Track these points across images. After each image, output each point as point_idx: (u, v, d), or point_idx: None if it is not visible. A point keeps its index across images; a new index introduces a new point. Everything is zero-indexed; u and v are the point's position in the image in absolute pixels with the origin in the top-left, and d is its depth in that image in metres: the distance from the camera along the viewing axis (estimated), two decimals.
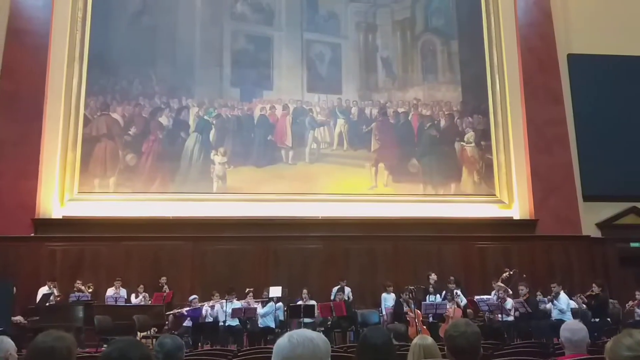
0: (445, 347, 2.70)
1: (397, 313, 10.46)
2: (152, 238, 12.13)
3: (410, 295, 10.36)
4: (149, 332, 9.90)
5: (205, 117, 13.46)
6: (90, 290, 11.11)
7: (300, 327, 8.68)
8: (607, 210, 13.57)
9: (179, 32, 13.85)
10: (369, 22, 14.56)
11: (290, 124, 13.73)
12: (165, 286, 11.42)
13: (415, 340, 3.10)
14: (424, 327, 9.83)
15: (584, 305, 10.29)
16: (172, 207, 12.65)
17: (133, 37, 13.56)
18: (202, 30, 13.90)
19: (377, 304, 11.42)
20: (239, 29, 14.08)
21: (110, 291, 11.20)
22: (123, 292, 11.23)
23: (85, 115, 13.06)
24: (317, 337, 1.76)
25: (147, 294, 11.22)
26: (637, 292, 10.81)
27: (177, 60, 13.71)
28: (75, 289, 10.92)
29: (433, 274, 11.49)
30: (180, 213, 12.59)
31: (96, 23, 13.42)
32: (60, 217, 12.38)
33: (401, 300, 10.47)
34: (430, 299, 10.86)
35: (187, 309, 10.23)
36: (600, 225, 13.54)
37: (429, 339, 3.10)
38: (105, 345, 9.30)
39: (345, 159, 13.67)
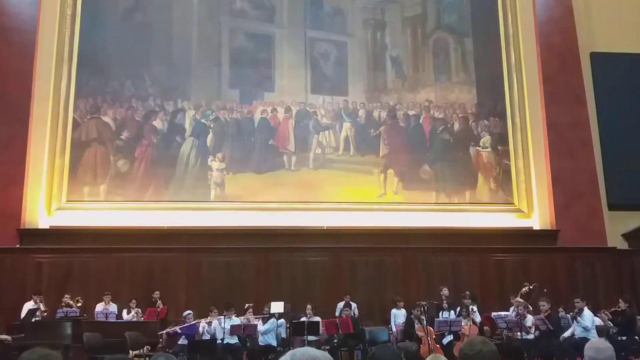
0: None
1: (408, 331, 10.40)
2: (145, 249, 12.13)
3: (422, 311, 10.30)
4: (141, 351, 9.87)
5: (202, 121, 13.50)
6: (80, 305, 11.10)
7: (303, 345, 8.65)
8: (634, 220, 13.47)
9: (174, 30, 13.91)
10: (377, 19, 14.60)
11: (293, 127, 13.75)
12: (159, 301, 11.40)
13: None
14: (437, 345, 9.76)
15: (610, 323, 10.20)
16: (167, 217, 12.66)
17: (125, 35, 13.63)
18: (199, 27, 13.97)
19: (386, 321, 11.37)
20: (238, 26, 14.13)
21: (99, 306, 11.18)
22: (113, 307, 11.21)
23: (74, 119, 13.11)
24: (322, 356, 1.75)
25: (139, 310, 11.20)
26: None
27: (172, 59, 13.77)
28: (63, 303, 10.92)
29: (445, 289, 11.42)
30: (176, 223, 12.60)
31: (86, 20, 13.51)
32: (48, 227, 12.41)
33: (412, 316, 10.41)
34: (444, 315, 10.79)
35: (181, 326, 10.19)
36: (627, 236, 13.46)
37: (443, 359, 3.08)
38: None
39: (352, 164, 13.67)
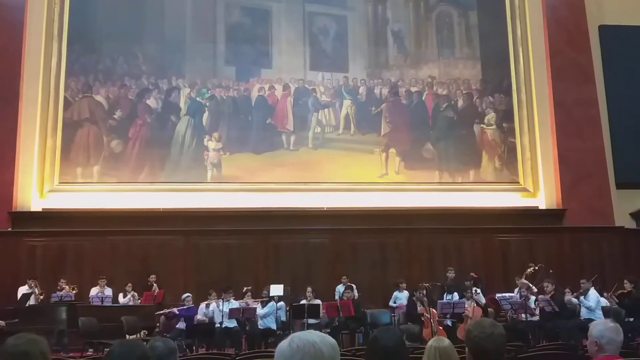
0: (467, 349, 2.66)
1: (411, 313, 10.45)
2: (140, 232, 12.13)
3: (425, 293, 10.34)
4: (138, 335, 9.92)
5: (198, 99, 13.42)
6: (75, 290, 11.13)
7: (304, 329, 8.67)
8: None
9: (168, 5, 13.77)
10: None
11: (292, 105, 13.67)
12: (155, 285, 11.44)
13: (430, 343, 3.08)
14: (440, 327, 9.81)
15: (616, 304, 10.24)
16: (162, 198, 12.64)
17: (117, 10, 13.48)
18: (193, 2, 13.81)
19: (388, 303, 11.40)
20: (233, 0, 13.98)
21: (94, 290, 11.23)
22: (108, 291, 11.26)
23: (65, 98, 13.03)
24: (321, 340, 1.72)
25: (135, 293, 11.25)
26: None
27: (166, 36, 13.65)
28: (58, 287, 10.95)
29: (451, 270, 11.45)
30: (171, 204, 12.59)
31: None
32: (40, 210, 12.41)
33: (414, 298, 10.45)
34: (447, 297, 10.84)
35: (179, 308, 10.24)
36: (635, 216, 13.48)
37: (446, 341, 3.07)
38: (90, 350, 9.36)
39: (353, 144, 13.62)
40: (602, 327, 3.10)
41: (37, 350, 2.18)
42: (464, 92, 14.10)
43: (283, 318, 10.56)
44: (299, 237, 12.56)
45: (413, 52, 14.29)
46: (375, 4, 14.42)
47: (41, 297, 10.80)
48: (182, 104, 13.37)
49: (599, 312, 9.77)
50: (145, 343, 2.81)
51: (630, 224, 13.40)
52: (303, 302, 10.56)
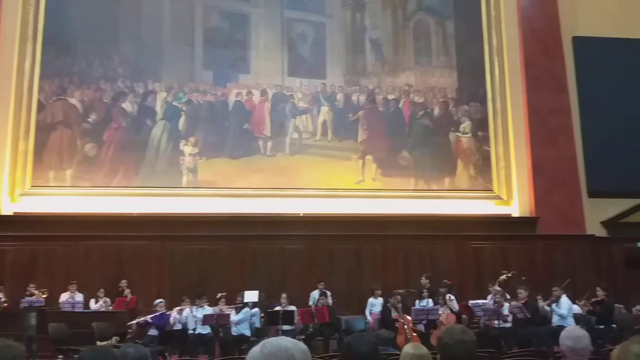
0: (438, 356, 2.69)
1: (385, 319, 10.48)
2: (114, 237, 11.99)
3: (399, 299, 10.38)
4: (110, 342, 9.79)
5: (174, 103, 13.33)
6: (45, 295, 10.95)
7: (278, 335, 8.65)
8: (614, 207, 13.75)
9: (145, 7, 13.67)
10: (357, 0, 14.51)
11: (269, 111, 13.66)
12: (127, 290, 11.29)
13: (407, 349, 3.08)
14: (414, 334, 9.86)
15: (589, 312, 10.41)
16: (137, 203, 12.51)
17: (93, 13, 13.34)
18: (171, 5, 13.74)
19: (363, 310, 11.42)
20: (212, 4, 13.94)
21: (64, 296, 11.05)
22: (79, 296, 11.09)
23: (39, 100, 12.85)
24: (294, 346, 1.73)
25: (108, 299, 11.11)
26: None
27: (143, 39, 13.54)
28: (27, 293, 10.76)
29: (424, 278, 11.48)
30: (146, 209, 12.47)
31: None
32: (11, 214, 12.20)
33: (389, 305, 10.50)
34: (422, 303, 10.90)
35: (152, 315, 10.13)
36: (606, 224, 13.72)
37: (424, 349, 3.07)
38: (60, 357, 9.21)
39: (330, 150, 13.65)
40: (564, 335, 3.16)
41: (9, 357, 2.15)
42: (440, 100, 14.23)
43: (257, 324, 10.53)
44: (275, 243, 12.53)
45: (390, 60, 14.40)
46: (353, 12, 14.50)
47: (5, 304, 10.59)
48: (158, 108, 13.27)
49: (571, 320, 9.91)
50: (116, 349, 2.79)
51: (601, 232, 13.63)
52: (278, 308, 10.53)
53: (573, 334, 3.13)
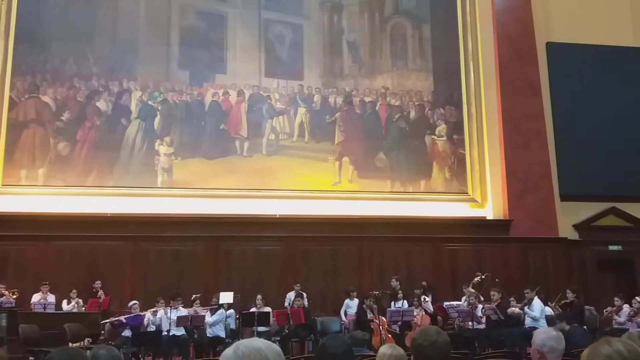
0: (412, 357, 2.70)
1: (361, 320, 10.51)
2: (87, 237, 11.84)
3: (374, 300, 10.42)
4: (82, 343, 9.66)
5: (150, 102, 13.21)
6: (15, 295, 10.76)
7: (253, 336, 8.62)
8: (585, 210, 14.00)
9: (121, 5, 13.51)
10: (335, 2, 14.55)
11: (246, 111, 13.61)
12: (101, 291, 11.16)
13: (383, 350, 3.09)
14: (390, 335, 9.90)
15: (558, 316, 10.56)
16: (111, 203, 12.37)
17: (67, 9, 13.15)
18: (147, 3, 13.59)
19: (339, 311, 11.43)
20: (189, 3, 13.84)
21: (36, 297, 10.88)
22: (51, 297, 10.93)
23: (10, 98, 12.62)
24: (267, 347, 1.73)
25: (80, 300, 10.96)
26: (615, 298, 11.14)
27: (118, 37, 13.38)
28: None
29: (394, 279, 11.44)
30: (120, 209, 12.32)
31: None
32: None
33: (364, 306, 10.53)
34: (397, 305, 10.95)
35: (126, 316, 10.03)
36: (577, 227, 13.96)
37: (400, 350, 3.08)
38: (31, 358, 9.06)
39: (307, 151, 13.65)
40: (544, 336, 3.18)
41: None
42: (416, 103, 14.33)
43: (232, 326, 10.48)
44: (250, 244, 12.49)
45: (367, 63, 14.46)
46: (331, 14, 14.53)
47: None
48: (133, 107, 13.13)
49: (543, 321, 10.06)
50: (88, 351, 2.75)
51: (573, 235, 13.86)
52: (253, 309, 10.50)
53: (553, 335, 3.16)
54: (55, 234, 11.74)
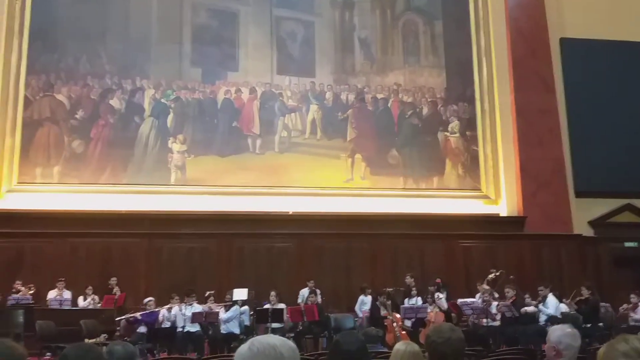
0: (427, 354, 2.70)
1: (374, 317, 10.51)
2: (101, 234, 11.93)
3: (388, 297, 10.41)
4: (98, 339, 9.73)
5: (162, 100, 13.27)
6: (32, 291, 10.87)
7: (267, 333, 8.63)
8: (600, 207, 13.88)
9: (133, 4, 13.59)
10: None
11: (258, 109, 13.64)
12: (116, 287, 11.23)
13: (398, 346, 3.09)
14: (404, 332, 9.89)
15: (575, 311, 10.49)
16: (125, 200, 12.45)
17: (81, 8, 13.24)
18: (159, 2, 13.67)
19: (352, 308, 11.43)
20: (200, 1, 13.89)
21: (52, 293, 10.97)
22: (67, 294, 11.02)
23: (25, 97, 12.74)
24: (282, 344, 1.73)
25: (96, 297, 11.03)
26: (631, 295, 11.03)
27: (131, 35, 13.46)
28: (13, 289, 10.67)
29: (409, 277, 11.43)
30: (134, 207, 12.40)
31: None
32: None
33: (378, 303, 10.52)
34: (411, 302, 10.92)
35: (141, 312, 10.09)
36: (592, 224, 13.84)
37: (415, 346, 3.08)
38: (48, 354, 9.15)
39: (319, 149, 13.65)
40: (560, 333, 3.15)
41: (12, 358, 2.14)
42: (429, 99, 14.28)
43: (246, 322, 10.49)
44: (263, 241, 12.51)
45: (379, 59, 14.42)
46: (342, 11, 14.51)
47: None
48: (146, 105, 13.21)
49: (558, 318, 9.97)
50: (104, 347, 2.77)
51: (587, 231, 13.75)
52: (267, 306, 10.52)
53: (570, 332, 3.13)
54: (70, 231, 11.84)
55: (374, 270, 12.51)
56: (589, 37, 14.45)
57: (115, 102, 13.10)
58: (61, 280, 11.04)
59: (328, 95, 13.97)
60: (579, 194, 13.82)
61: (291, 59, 14.14)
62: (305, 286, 11.42)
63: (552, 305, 10.21)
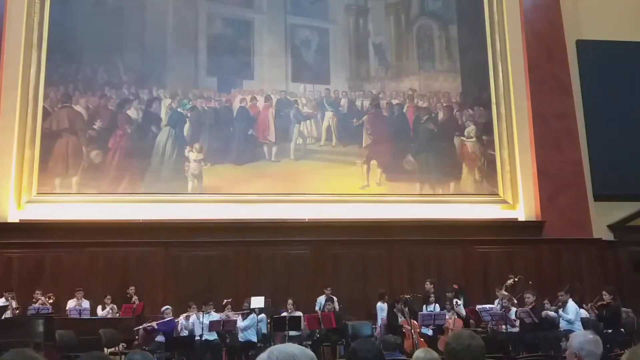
0: None
1: (391, 324, 10.45)
2: (119, 244, 12.02)
3: (405, 304, 10.35)
4: (117, 348, 9.80)
5: (179, 110, 13.37)
6: (52, 300, 10.98)
7: (285, 341, 8.64)
8: (620, 211, 13.70)
9: (149, 15, 13.73)
10: (360, 5, 14.56)
11: (273, 116, 13.68)
12: (135, 297, 11.31)
13: (418, 354, 3.07)
14: (422, 339, 9.83)
15: (595, 316, 10.35)
16: (142, 209, 12.54)
17: (97, 20, 13.41)
18: (175, 12, 13.80)
19: (370, 315, 11.40)
20: (215, 11, 14.00)
21: (71, 303, 11.09)
22: (86, 303, 11.12)
23: (44, 108, 12.90)
24: (301, 353, 1.73)
25: (114, 306, 11.11)
26: None
27: (147, 46, 13.60)
28: (33, 299, 10.78)
29: (429, 283, 11.40)
30: (151, 216, 12.49)
31: (56, 4, 13.25)
32: (17, 221, 12.23)
33: (395, 310, 10.47)
34: (429, 308, 10.86)
35: (159, 322, 10.13)
36: (612, 227, 13.67)
37: (434, 353, 3.06)
38: None
39: (334, 155, 13.66)
40: (582, 339, 3.11)
41: None
42: (444, 104, 14.23)
43: (264, 330, 10.50)
44: (280, 249, 12.53)
45: (394, 65, 14.41)
46: (356, 17, 14.54)
47: (17, 310, 10.64)
48: (162, 115, 13.31)
49: (578, 324, 9.86)
50: (123, 356, 2.80)
51: (607, 235, 13.58)
52: (284, 314, 10.52)
53: (592, 339, 3.09)
54: (88, 240, 11.96)
55: (390, 277, 12.46)
56: (606, 39, 14.32)
57: (132, 112, 13.22)
58: (79, 290, 11.14)
59: (343, 101, 13.99)
60: (597, 198, 13.66)
61: (306, 66, 14.19)
62: (322, 293, 11.41)
63: (572, 310, 10.08)
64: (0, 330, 9.38)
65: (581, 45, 14.46)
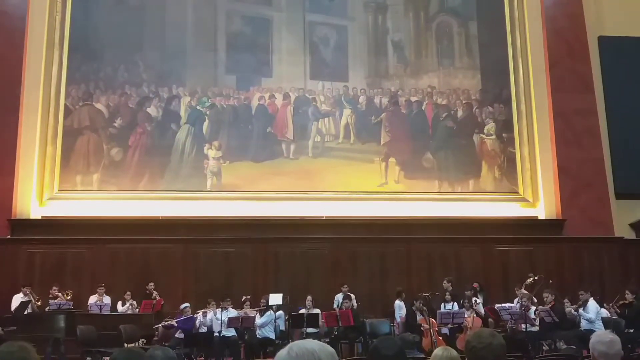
0: None
1: (410, 323, 10.42)
2: (140, 240, 12.12)
3: (424, 302, 10.31)
4: (137, 344, 9.89)
5: (198, 108, 13.45)
6: (69, 297, 11.10)
7: (302, 338, 8.64)
8: None
9: (169, 14, 13.82)
10: (379, 2, 14.50)
11: (292, 114, 13.70)
12: (155, 293, 11.41)
13: (437, 352, 3.04)
14: (440, 337, 9.78)
15: (616, 315, 10.23)
16: (162, 206, 12.63)
17: (118, 19, 13.53)
18: (194, 11, 13.87)
19: (388, 313, 11.37)
20: (234, 9, 14.04)
21: (92, 299, 11.22)
22: (107, 299, 11.24)
23: (66, 106, 13.06)
24: (320, 349, 1.73)
25: (134, 302, 11.23)
26: None
27: (167, 44, 13.69)
28: (50, 295, 10.91)
29: (446, 281, 11.35)
30: (171, 213, 12.58)
31: (77, 4, 13.41)
32: (39, 218, 12.39)
33: (414, 308, 10.44)
34: (447, 307, 10.80)
35: (178, 319, 10.21)
36: (634, 226, 13.47)
37: (453, 351, 3.03)
38: (88, 358, 9.33)
39: (353, 153, 13.64)
40: (595, 339, 3.11)
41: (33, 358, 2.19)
42: (464, 102, 14.12)
43: (282, 327, 10.53)
44: (298, 246, 12.54)
45: (413, 62, 14.34)
46: (375, 14, 14.48)
47: (38, 303, 10.79)
48: (182, 113, 13.39)
49: (599, 323, 9.74)
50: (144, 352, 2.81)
51: (629, 234, 13.38)
52: (302, 311, 10.53)
53: (605, 339, 3.07)
54: (109, 237, 12.07)
55: (409, 275, 12.41)
56: (628, 35, 14.10)
57: (152, 110, 13.32)
58: (101, 286, 11.28)
59: (361, 99, 13.95)
60: (619, 196, 13.47)
61: (324, 63, 14.17)
62: (339, 291, 11.41)
63: (593, 310, 9.97)
64: (22, 326, 9.51)
65: (603, 41, 14.25)
